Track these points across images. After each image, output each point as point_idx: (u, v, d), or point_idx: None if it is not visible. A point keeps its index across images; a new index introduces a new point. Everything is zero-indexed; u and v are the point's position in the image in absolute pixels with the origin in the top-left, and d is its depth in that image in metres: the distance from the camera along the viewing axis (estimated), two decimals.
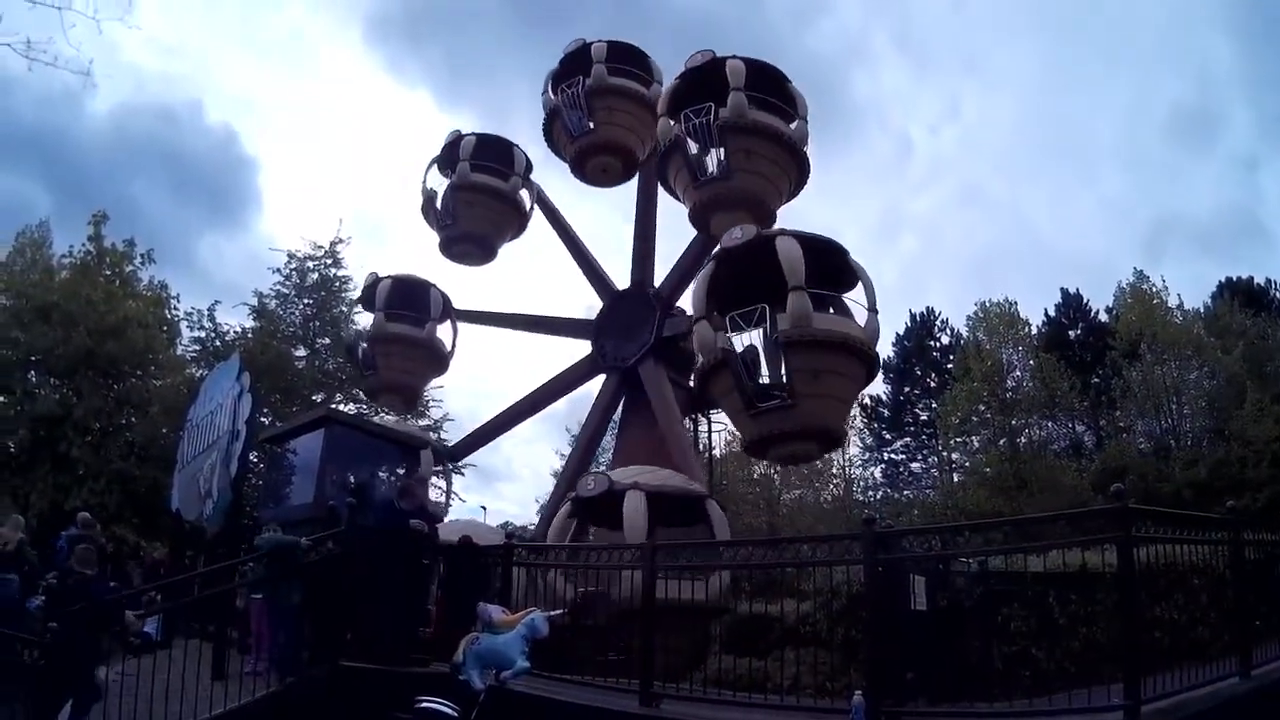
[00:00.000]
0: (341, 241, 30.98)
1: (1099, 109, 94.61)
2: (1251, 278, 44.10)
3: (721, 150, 19.85)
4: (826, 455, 18.65)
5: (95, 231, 27.07)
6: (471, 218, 25.68)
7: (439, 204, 25.89)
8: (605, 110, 23.85)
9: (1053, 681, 8.81)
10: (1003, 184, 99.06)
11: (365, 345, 24.80)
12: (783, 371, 16.82)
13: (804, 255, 16.63)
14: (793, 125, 20.56)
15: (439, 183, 26.16)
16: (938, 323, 51.20)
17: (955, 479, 42.89)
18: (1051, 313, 46.35)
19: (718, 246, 18.49)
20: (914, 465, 49.46)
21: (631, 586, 10.10)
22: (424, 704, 7.63)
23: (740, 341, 17.24)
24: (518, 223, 26.62)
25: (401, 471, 18.04)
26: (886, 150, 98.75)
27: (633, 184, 25.60)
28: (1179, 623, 9.42)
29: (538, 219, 27.01)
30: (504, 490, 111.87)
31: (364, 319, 27.07)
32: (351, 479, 16.04)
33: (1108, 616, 9.04)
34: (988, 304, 41.58)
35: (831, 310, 17.75)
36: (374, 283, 25.37)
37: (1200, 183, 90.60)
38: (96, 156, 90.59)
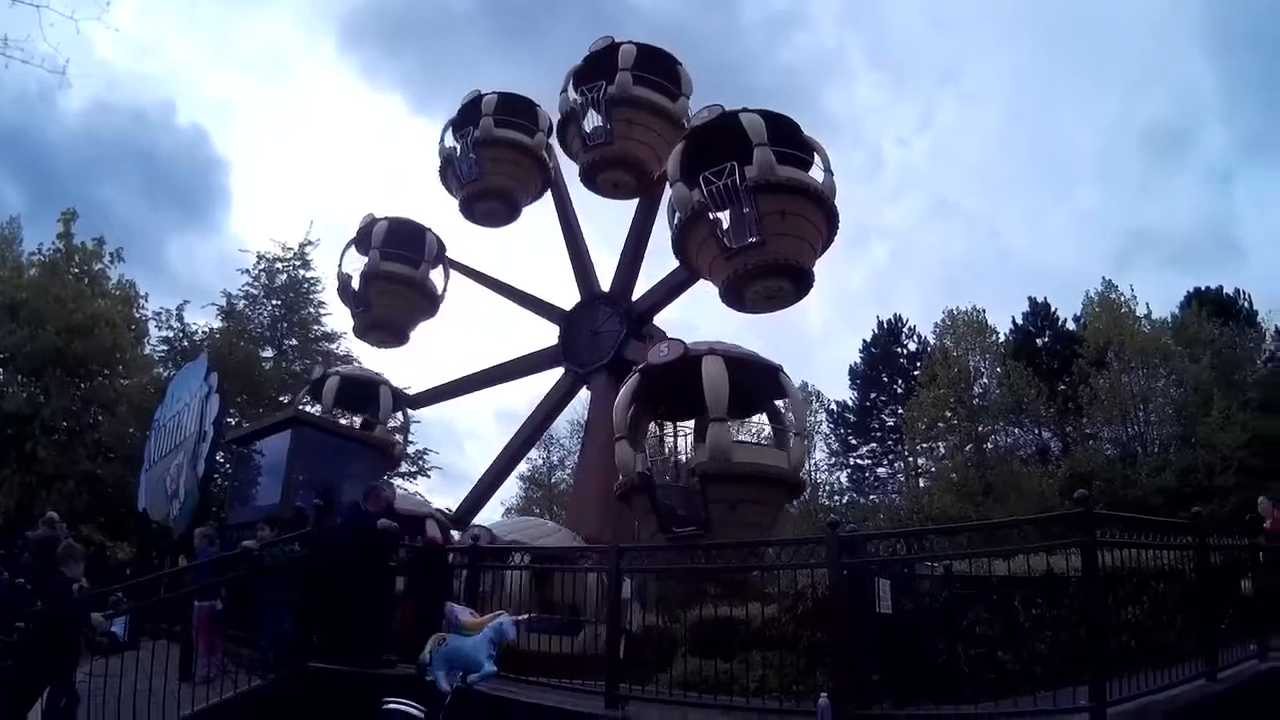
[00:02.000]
0: (311, 244, 31.09)
1: (1075, 123, 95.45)
2: (1221, 288, 44.48)
3: (608, 119, 23.43)
4: (799, 300, 19.78)
5: (65, 229, 26.86)
6: (384, 305, 26.52)
7: (354, 287, 26.36)
8: (490, 160, 25.59)
9: (1019, 684, 8.83)
10: (977, 196, 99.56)
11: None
12: (753, 217, 18.28)
13: (765, 127, 18.52)
14: (676, 101, 23.96)
15: (356, 263, 26.53)
16: (905, 329, 51.48)
17: (921, 484, 43.20)
18: (1019, 321, 46.45)
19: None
20: (880, 470, 49.87)
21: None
22: (391, 705, 7.57)
23: (713, 199, 18.65)
24: (429, 307, 27.28)
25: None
26: (859, 161, 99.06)
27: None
28: (1145, 626, 9.47)
29: (464, 284, 27.87)
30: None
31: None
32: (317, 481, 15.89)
33: (1073, 620, 9.08)
34: (956, 311, 41.88)
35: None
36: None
37: (1174, 196, 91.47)
38: (68, 154, 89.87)
